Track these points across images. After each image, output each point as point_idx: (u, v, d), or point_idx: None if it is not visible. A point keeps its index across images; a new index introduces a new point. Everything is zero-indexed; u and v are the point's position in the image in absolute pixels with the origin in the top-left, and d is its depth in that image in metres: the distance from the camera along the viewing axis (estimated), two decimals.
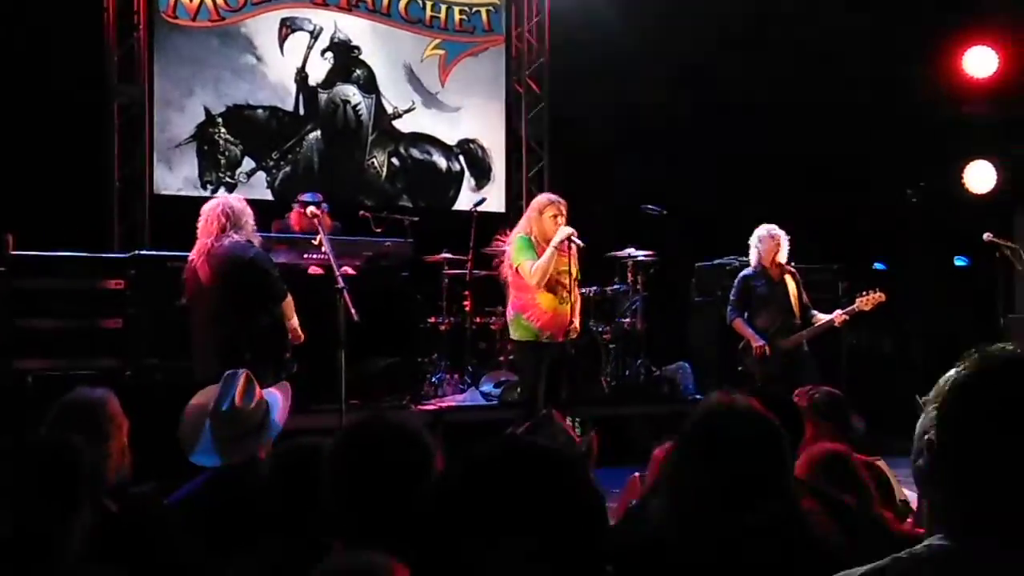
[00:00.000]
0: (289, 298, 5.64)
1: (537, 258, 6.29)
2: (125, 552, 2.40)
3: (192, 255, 5.70)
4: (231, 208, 5.62)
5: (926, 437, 1.42)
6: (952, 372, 1.43)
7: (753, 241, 7.45)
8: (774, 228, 7.40)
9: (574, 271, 6.40)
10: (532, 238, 6.37)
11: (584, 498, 1.29)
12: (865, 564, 1.42)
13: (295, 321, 5.64)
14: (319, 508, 2.09)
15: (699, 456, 2.11)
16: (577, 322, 6.57)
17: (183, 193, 9.07)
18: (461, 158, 10.50)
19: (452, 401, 8.15)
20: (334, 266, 5.73)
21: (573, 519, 1.26)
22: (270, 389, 3.63)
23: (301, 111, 9.74)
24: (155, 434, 3.43)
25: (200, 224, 5.67)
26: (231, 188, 9.27)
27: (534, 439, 1.42)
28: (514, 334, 6.52)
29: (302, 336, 5.70)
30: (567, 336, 6.43)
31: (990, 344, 1.45)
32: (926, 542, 1.41)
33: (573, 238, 6.32)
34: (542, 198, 6.64)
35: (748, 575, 2.04)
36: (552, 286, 6.36)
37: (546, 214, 6.37)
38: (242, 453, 3.18)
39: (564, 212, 6.39)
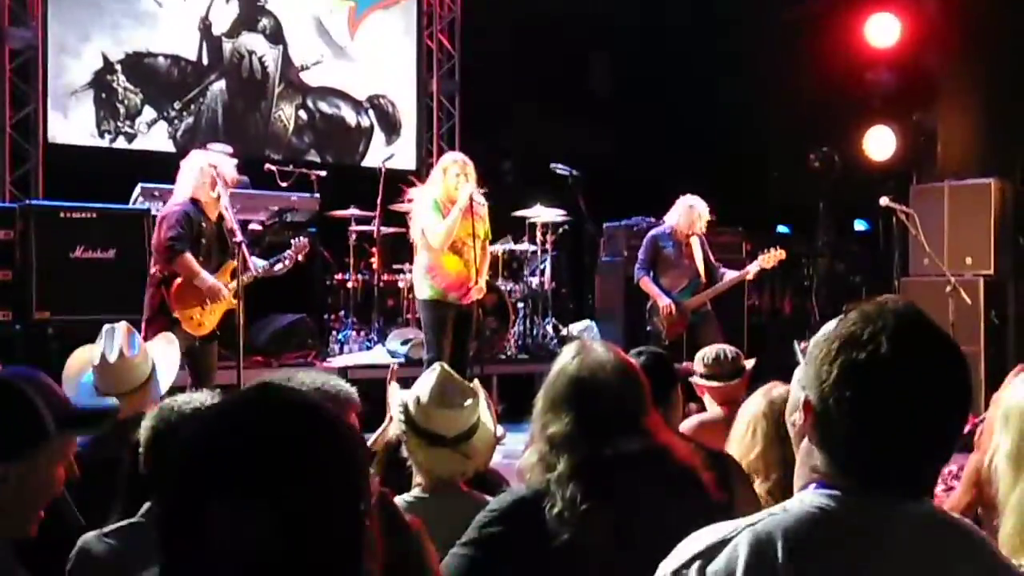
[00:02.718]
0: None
1: (442, 219, 6.22)
2: None
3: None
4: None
5: (803, 395, 1.38)
6: (832, 325, 1.38)
7: (676, 206, 7.50)
8: (699, 203, 7.47)
9: (481, 232, 6.34)
10: (437, 198, 6.31)
11: (328, 456, 1.16)
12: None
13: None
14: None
15: (560, 405, 2.23)
16: (483, 282, 6.52)
17: (79, 142, 8.74)
18: (371, 113, 10.33)
19: (358, 359, 8.08)
20: (233, 220, 5.60)
21: (314, 476, 1.14)
22: (153, 341, 3.52)
23: (204, 60, 9.44)
24: None
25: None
26: (131, 138, 8.98)
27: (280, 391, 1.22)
28: (419, 293, 6.47)
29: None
30: (472, 296, 6.39)
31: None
32: (797, 496, 1.38)
33: (475, 195, 6.25)
34: (447, 158, 6.58)
35: (617, 506, 2.12)
36: (458, 248, 6.31)
37: (450, 173, 6.30)
38: (128, 408, 3.06)
39: (469, 172, 6.31)
